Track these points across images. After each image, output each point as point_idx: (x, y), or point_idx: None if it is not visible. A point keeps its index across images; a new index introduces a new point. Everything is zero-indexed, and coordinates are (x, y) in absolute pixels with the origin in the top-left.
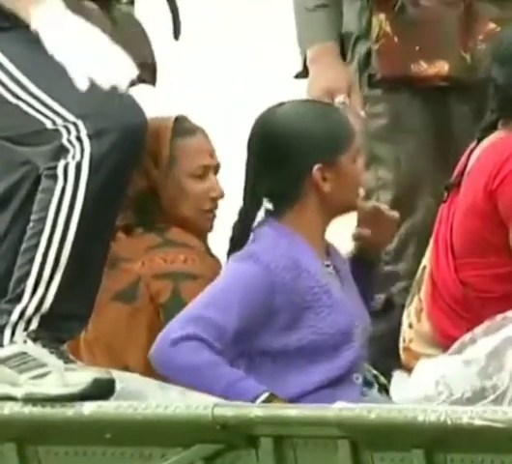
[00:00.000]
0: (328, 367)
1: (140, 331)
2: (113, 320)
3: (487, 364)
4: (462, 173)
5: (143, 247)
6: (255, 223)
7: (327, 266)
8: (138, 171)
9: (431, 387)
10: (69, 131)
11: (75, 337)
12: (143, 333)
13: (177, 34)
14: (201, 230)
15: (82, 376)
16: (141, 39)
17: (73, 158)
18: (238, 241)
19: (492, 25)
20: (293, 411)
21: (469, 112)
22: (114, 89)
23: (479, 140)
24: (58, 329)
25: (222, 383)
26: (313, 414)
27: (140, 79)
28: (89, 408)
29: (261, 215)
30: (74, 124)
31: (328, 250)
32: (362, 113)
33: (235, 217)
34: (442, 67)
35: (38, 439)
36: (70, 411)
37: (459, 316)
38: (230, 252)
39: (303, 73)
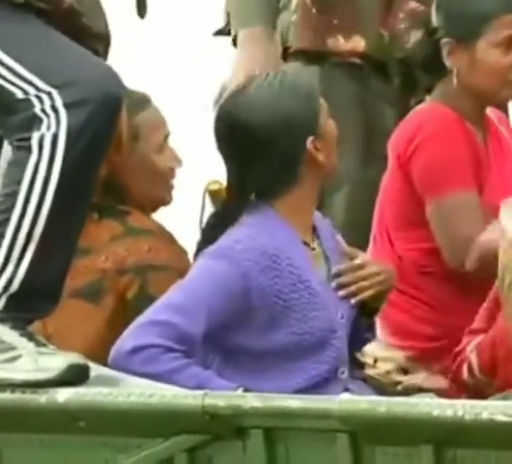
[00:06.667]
0: (311, 365)
1: (105, 329)
2: (74, 318)
3: None
4: None
5: (105, 238)
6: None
7: (313, 249)
8: None
9: None
10: (41, 101)
11: (45, 317)
12: (108, 331)
13: (142, 12)
14: (164, 205)
15: (56, 361)
16: (97, 10)
17: (49, 128)
18: (214, 233)
19: (414, 4)
20: (294, 402)
21: (387, 91)
22: (91, 58)
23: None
24: (27, 309)
25: (190, 387)
26: (317, 406)
27: (94, 51)
28: (63, 395)
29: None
30: (49, 93)
31: (315, 226)
32: None
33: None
34: (358, 43)
35: (2, 427)
36: (42, 397)
37: (398, 292)
38: (202, 244)
39: (224, 31)
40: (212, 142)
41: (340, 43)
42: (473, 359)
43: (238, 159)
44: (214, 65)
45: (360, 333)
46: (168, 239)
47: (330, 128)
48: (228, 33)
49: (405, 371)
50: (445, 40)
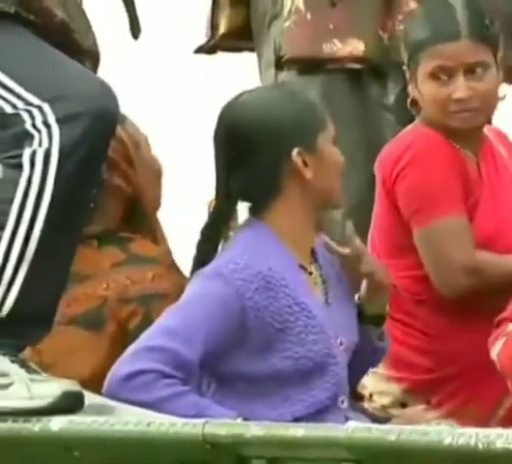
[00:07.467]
0: (309, 391)
1: (105, 359)
2: (72, 347)
3: None
4: None
5: (106, 265)
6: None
7: (311, 273)
8: (119, 177)
9: None
10: (32, 116)
11: (37, 344)
12: (108, 361)
13: (136, 33)
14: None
15: (50, 388)
16: (87, 28)
17: (41, 145)
18: (208, 247)
19: (413, 4)
20: (298, 430)
21: (388, 98)
22: (84, 71)
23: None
24: (19, 335)
25: (188, 415)
26: (323, 434)
27: None
28: (58, 423)
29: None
30: (39, 107)
31: (314, 250)
32: None
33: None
34: (357, 46)
35: None
36: (35, 426)
37: (393, 321)
38: (198, 260)
39: (203, 49)
40: (197, 161)
41: (337, 47)
42: (498, 345)
43: (224, 161)
44: (196, 82)
45: (366, 350)
46: (171, 266)
47: (332, 154)
48: (208, 50)
49: (403, 405)
50: (404, 66)
